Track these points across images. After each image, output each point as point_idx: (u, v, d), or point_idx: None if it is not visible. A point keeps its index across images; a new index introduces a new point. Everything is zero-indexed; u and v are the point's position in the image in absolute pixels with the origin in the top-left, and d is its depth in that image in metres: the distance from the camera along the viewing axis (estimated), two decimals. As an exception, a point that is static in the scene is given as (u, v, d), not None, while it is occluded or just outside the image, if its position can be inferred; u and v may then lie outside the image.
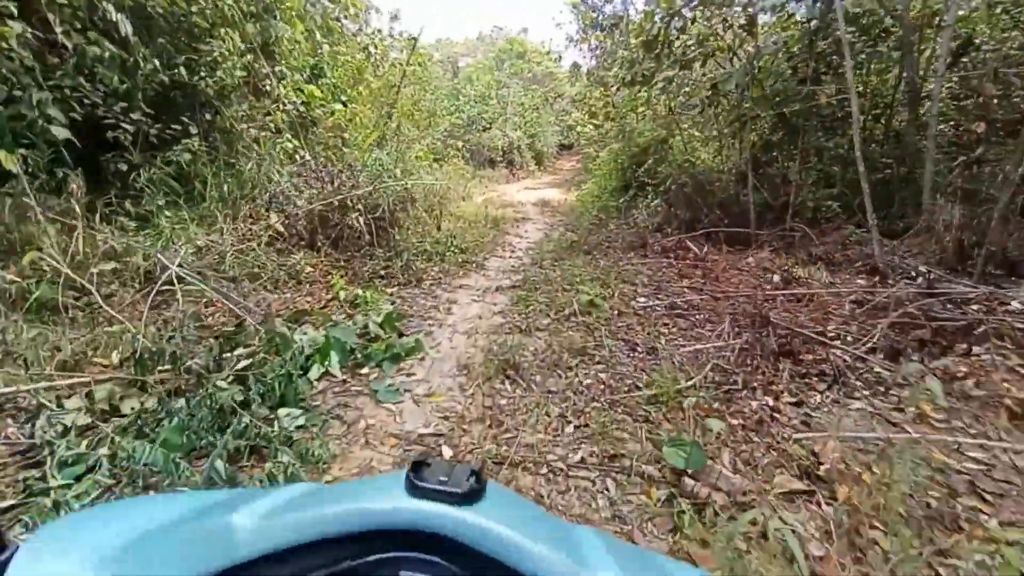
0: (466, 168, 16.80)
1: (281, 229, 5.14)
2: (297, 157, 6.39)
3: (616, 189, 10.81)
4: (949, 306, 4.01)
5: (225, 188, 4.98)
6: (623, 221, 8.86)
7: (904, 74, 7.10)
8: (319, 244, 5.27)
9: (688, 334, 3.81)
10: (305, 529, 0.48)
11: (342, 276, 4.83)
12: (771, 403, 2.84)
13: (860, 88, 7.89)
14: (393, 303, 4.38)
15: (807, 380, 3.08)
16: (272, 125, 5.95)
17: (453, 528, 0.47)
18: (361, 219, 5.33)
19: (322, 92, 7.00)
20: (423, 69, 18.03)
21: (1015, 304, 3.90)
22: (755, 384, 3.02)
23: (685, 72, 8.61)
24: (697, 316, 4.15)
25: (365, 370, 3.27)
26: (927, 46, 7.38)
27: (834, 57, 7.21)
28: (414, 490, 0.50)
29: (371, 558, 0.47)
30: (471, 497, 0.50)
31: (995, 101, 6.47)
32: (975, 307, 3.93)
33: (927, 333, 3.43)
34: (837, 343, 3.42)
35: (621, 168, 10.56)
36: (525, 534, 0.47)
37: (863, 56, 7.34)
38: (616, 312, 4.30)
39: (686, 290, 5.02)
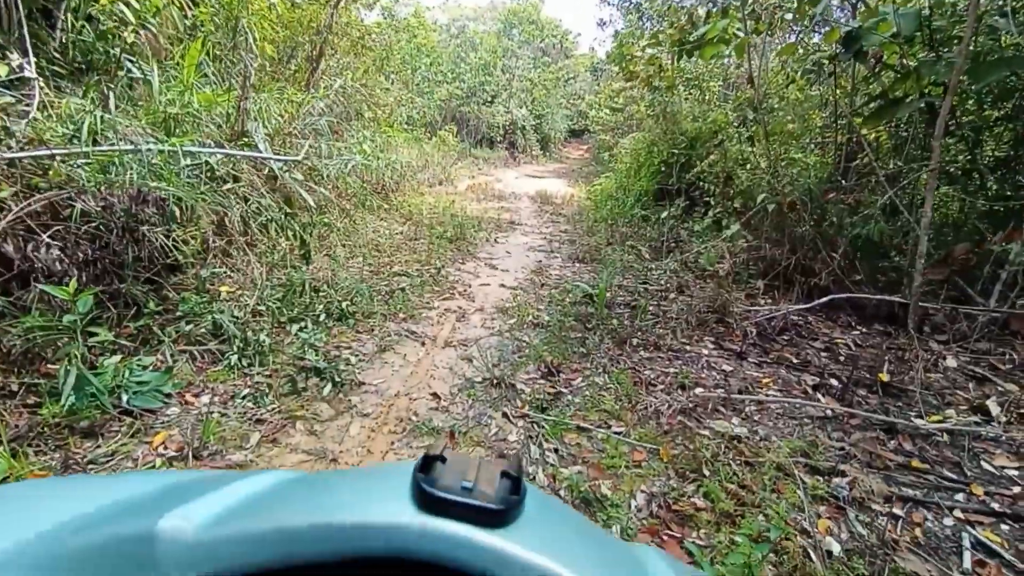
0: (454, 145, 12.62)
1: None
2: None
3: (651, 193, 6.78)
4: None
5: None
6: (672, 254, 4.85)
7: None
8: None
9: None
10: (264, 549, 0.30)
11: None
12: None
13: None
14: None
15: None
16: None
17: (481, 564, 0.29)
18: None
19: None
20: (418, 22, 13.81)
21: None
22: None
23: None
24: None
25: None
26: None
27: None
28: (425, 500, 0.32)
29: None
30: (506, 515, 0.32)
31: None
32: None
33: None
34: None
35: (663, 163, 6.51)
36: (578, 568, 0.31)
37: None
38: None
39: None
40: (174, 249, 2.25)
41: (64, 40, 3.08)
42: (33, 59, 2.85)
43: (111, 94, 2.70)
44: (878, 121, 3.93)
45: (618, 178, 8.79)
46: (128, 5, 3.01)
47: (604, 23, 14.47)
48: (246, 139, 3.27)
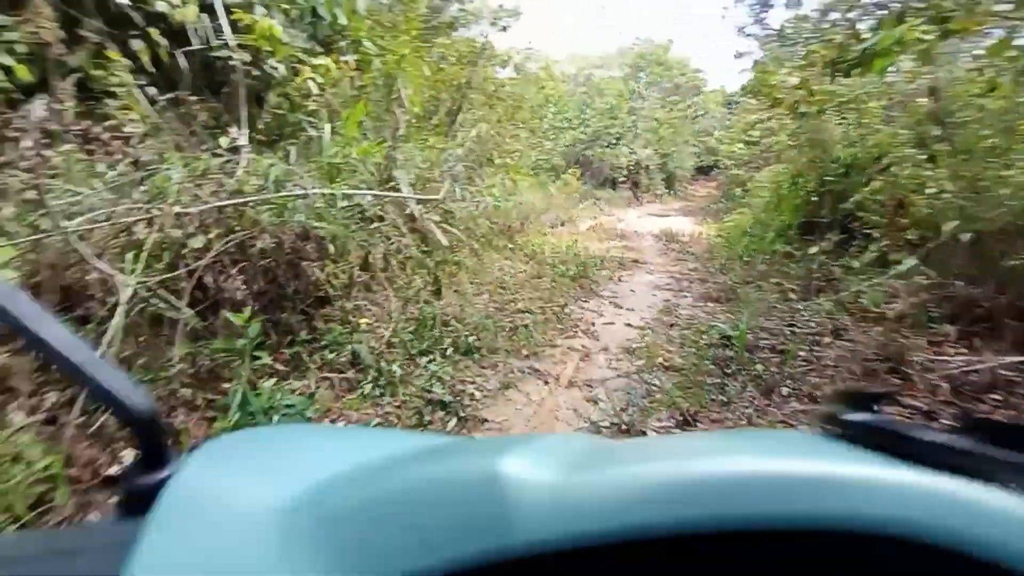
0: (577, 187, 12.76)
1: None
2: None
3: (795, 227, 6.07)
4: None
5: None
6: (824, 293, 4.20)
7: None
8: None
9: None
10: (672, 503, 0.21)
11: None
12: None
13: None
14: None
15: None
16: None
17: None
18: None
19: (286, 40, 3.52)
20: (547, 74, 14.51)
21: None
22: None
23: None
24: None
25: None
26: None
27: None
28: (880, 442, 0.22)
29: None
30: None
31: None
32: None
33: None
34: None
35: (811, 194, 5.81)
36: None
37: None
38: None
39: None
40: (326, 283, 2.49)
41: (269, 115, 3.75)
42: (246, 131, 3.49)
43: (292, 150, 3.15)
44: None
45: (754, 213, 8.06)
46: (314, 80, 3.56)
47: (741, 54, 13.72)
48: (393, 183, 3.60)
